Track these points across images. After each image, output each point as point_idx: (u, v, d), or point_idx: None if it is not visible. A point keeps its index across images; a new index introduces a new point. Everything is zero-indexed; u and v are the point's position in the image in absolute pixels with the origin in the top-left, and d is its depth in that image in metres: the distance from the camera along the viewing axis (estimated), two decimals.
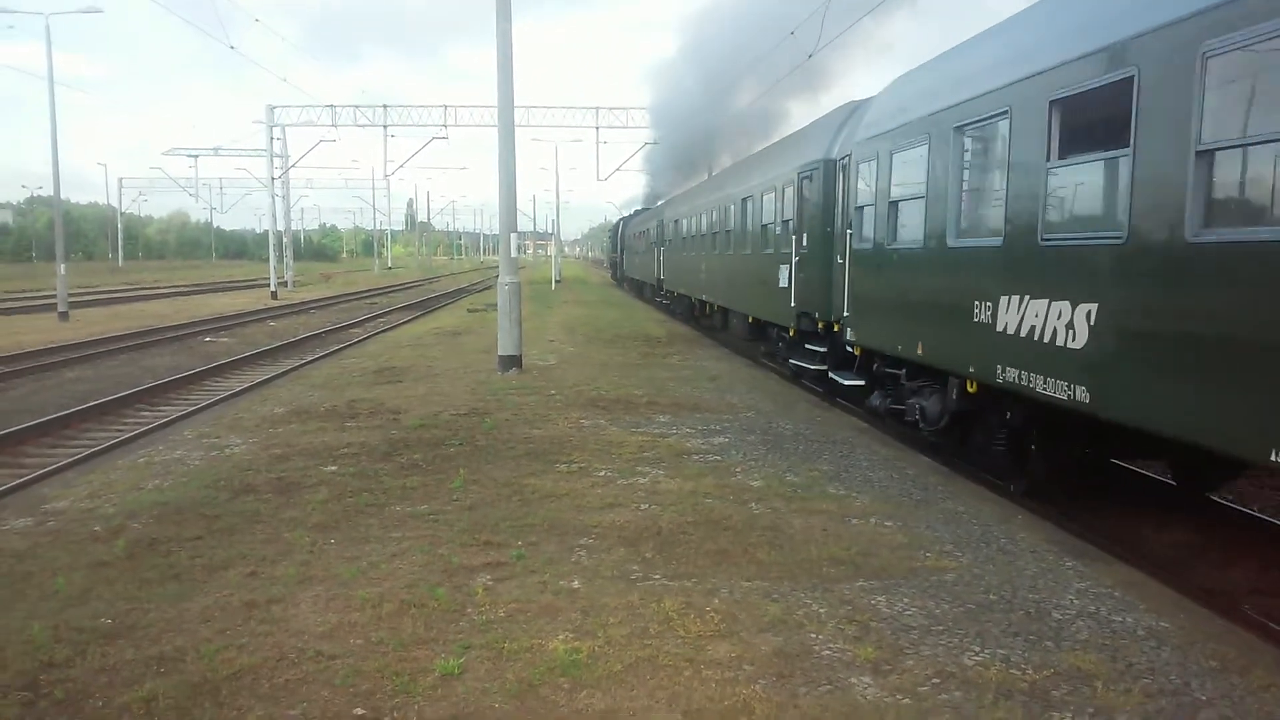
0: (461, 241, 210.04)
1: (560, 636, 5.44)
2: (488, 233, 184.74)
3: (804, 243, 15.97)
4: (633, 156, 56.80)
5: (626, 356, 20.15)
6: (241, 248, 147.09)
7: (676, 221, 33.02)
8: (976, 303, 9.57)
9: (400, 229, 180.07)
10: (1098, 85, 7.65)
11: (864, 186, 13.09)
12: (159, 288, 58.25)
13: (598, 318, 31.88)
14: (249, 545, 7.14)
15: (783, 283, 16.92)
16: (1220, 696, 4.84)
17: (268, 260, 52.35)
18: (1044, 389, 8.33)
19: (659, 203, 49.84)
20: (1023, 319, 8.71)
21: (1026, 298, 8.65)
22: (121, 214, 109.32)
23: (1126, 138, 7.21)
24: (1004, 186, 9.14)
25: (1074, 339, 7.89)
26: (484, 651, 5.24)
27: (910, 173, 11.44)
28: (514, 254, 17.40)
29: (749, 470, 9.69)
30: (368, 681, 4.88)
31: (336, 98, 65.64)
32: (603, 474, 9.44)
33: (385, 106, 49.40)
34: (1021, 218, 8.81)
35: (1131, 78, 7.15)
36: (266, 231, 54.50)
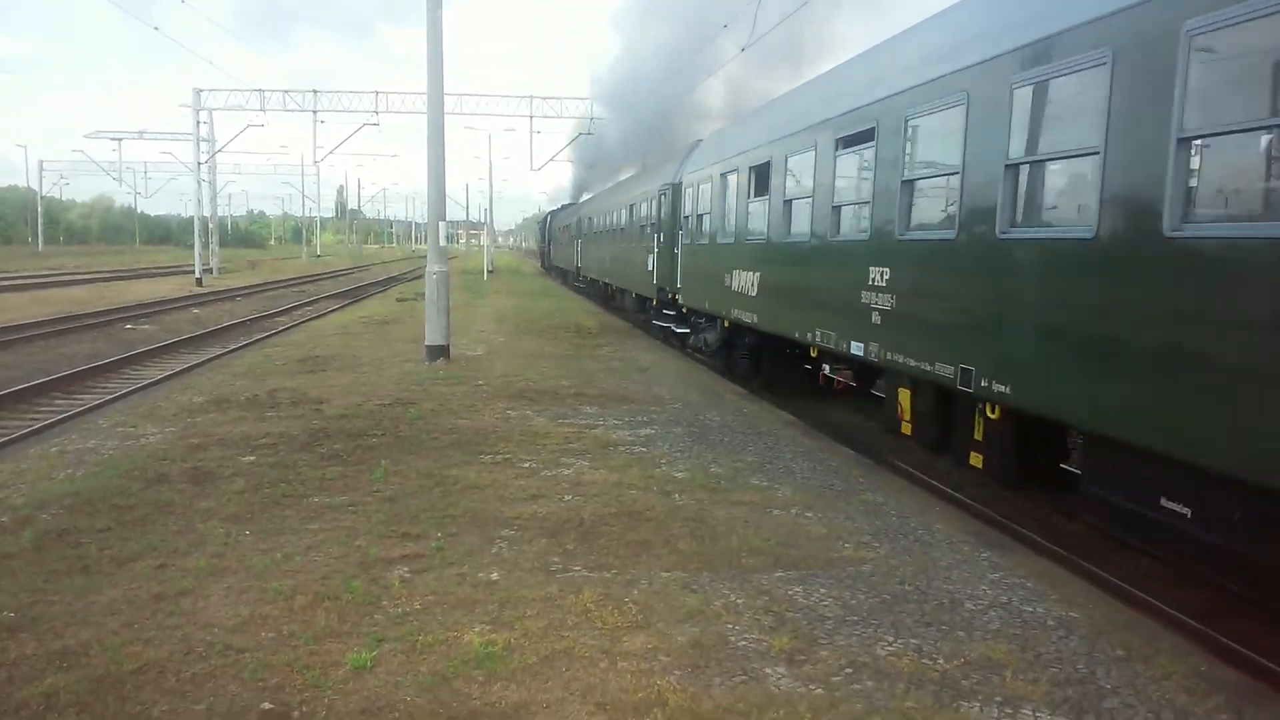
0: (393, 230, 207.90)
1: (476, 629, 5.40)
2: (419, 221, 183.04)
3: (660, 239, 22.89)
4: (566, 146, 56.58)
5: (556, 347, 20.09)
6: (166, 233, 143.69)
7: (590, 218, 40.33)
8: (725, 274, 16.62)
9: (330, 216, 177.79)
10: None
11: (688, 203, 20.35)
12: (80, 273, 56.79)
13: (529, 308, 31.75)
14: (160, 536, 6.99)
15: (649, 266, 24.16)
16: (1124, 685, 4.95)
17: (193, 246, 51.36)
18: (742, 319, 15.69)
19: (581, 199, 56.00)
20: (741, 282, 15.73)
21: (741, 271, 15.78)
22: (42, 197, 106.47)
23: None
24: (726, 210, 17.04)
25: (752, 290, 14.95)
26: (398, 644, 5.18)
27: (703, 198, 18.84)
28: (442, 242, 17.26)
29: (674, 462, 9.71)
30: (277, 675, 4.80)
31: (266, 82, 64.55)
32: (527, 465, 9.40)
33: (315, 91, 48.73)
34: (736, 230, 16.25)
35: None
36: (192, 217, 53.40)
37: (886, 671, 5.00)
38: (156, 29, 37.59)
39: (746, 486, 8.76)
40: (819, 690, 4.79)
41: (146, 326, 28.18)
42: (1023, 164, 7.95)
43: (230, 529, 7.19)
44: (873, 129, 10.67)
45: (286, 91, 48.67)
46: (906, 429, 10.81)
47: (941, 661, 5.14)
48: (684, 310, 20.70)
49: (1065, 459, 9.17)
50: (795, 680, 4.88)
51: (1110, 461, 7.15)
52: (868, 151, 10.93)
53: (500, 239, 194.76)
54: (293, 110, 48.78)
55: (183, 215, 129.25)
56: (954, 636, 5.49)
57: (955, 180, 8.89)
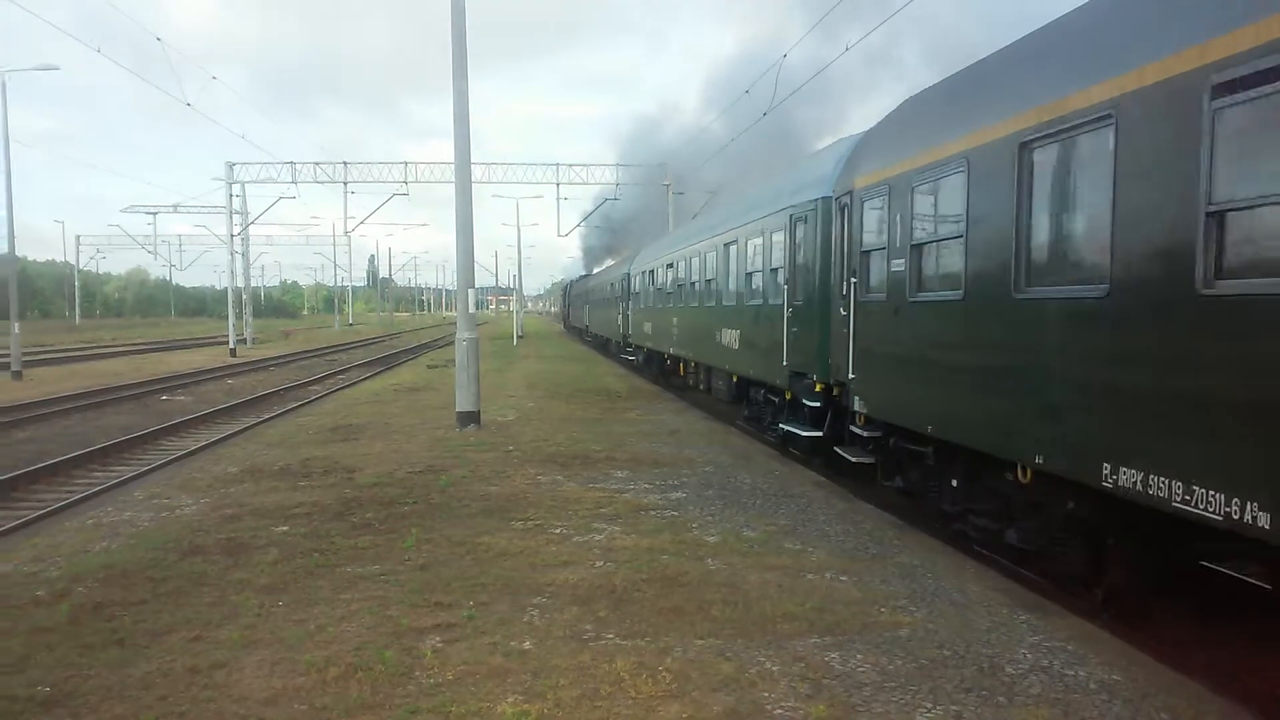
0: (424, 297, 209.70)
1: (509, 699, 5.36)
2: (450, 288, 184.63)
3: (623, 304, 34.34)
4: (593, 212, 57.09)
5: (586, 411, 20.11)
6: (201, 305, 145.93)
7: (590, 289, 51.20)
8: (645, 323, 30.84)
9: (362, 285, 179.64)
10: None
11: (635, 283, 31.97)
12: (116, 346, 57.58)
13: (558, 372, 31.85)
14: (195, 609, 7.01)
15: (619, 321, 36.64)
16: None
17: (227, 317, 51.98)
18: (654, 345, 24.32)
19: (594, 269, 67.47)
20: (654, 326, 29.31)
21: (650, 321, 28.89)
22: (79, 271, 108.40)
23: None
24: (646, 288, 28.36)
25: (652, 329, 25.25)
26: (431, 715, 5.15)
27: (636, 282, 31.29)
28: (472, 309, 17.39)
29: (705, 526, 9.65)
30: None
31: (296, 154, 65.59)
32: (558, 531, 9.37)
33: (345, 163, 49.52)
34: (652, 297, 25.57)
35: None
36: (226, 289, 54.18)
37: None
38: (189, 105, 38.37)
39: (780, 550, 8.69)
40: None
41: (181, 398, 28.47)
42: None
43: (264, 600, 7.20)
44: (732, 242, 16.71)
45: (318, 164, 49.52)
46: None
47: None
48: (632, 344, 34.74)
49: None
50: None
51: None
52: (734, 251, 18.06)
53: (530, 304, 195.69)
54: (324, 181, 49.59)
55: (217, 287, 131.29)
56: (994, 702, 5.39)
57: (783, 273, 14.75)
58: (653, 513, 10.24)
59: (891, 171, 10.78)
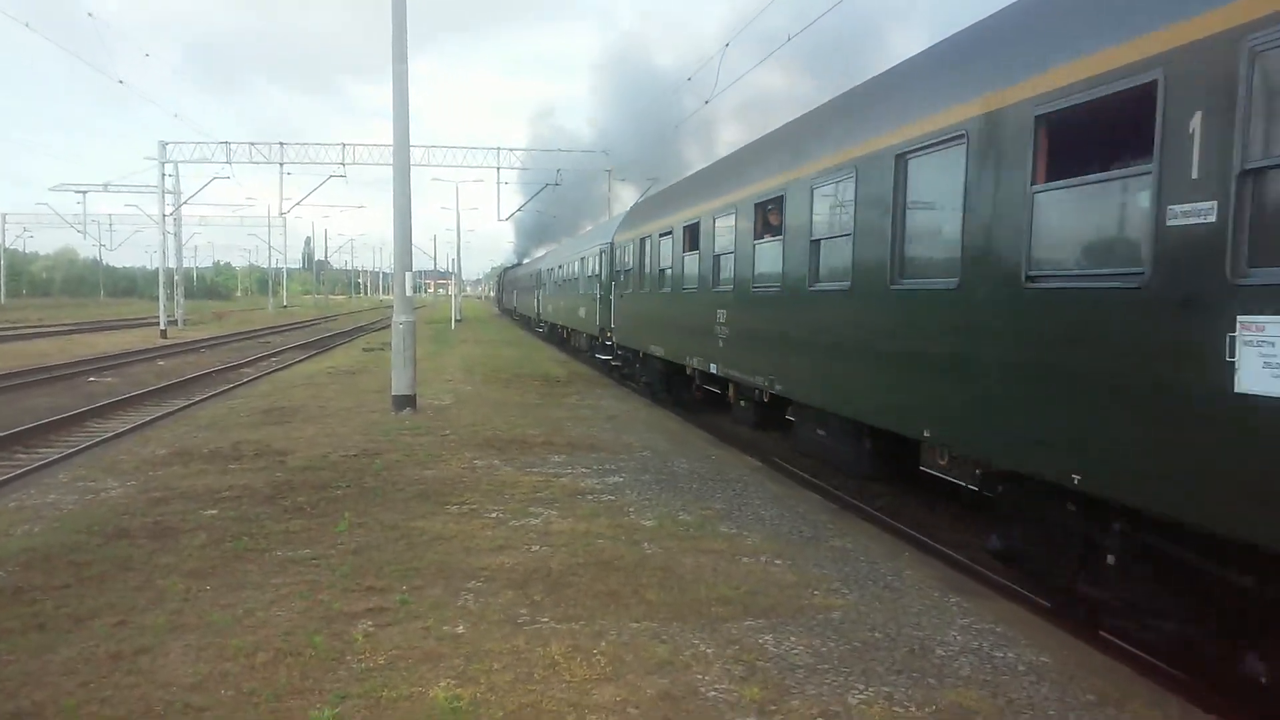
0: (360, 280, 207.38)
1: (442, 684, 5.31)
2: (387, 271, 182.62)
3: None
4: (533, 198, 56.75)
5: (524, 396, 20.01)
6: (131, 285, 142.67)
7: (541, 272, 49.34)
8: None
9: (297, 267, 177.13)
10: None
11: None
12: (43, 326, 56.17)
13: (496, 357, 31.67)
14: (119, 593, 6.86)
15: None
16: None
17: (158, 298, 50.98)
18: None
19: (524, 260, 74.03)
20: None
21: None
22: (5, 250, 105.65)
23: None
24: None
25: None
26: (361, 701, 5.08)
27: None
28: (409, 293, 17.21)
29: (642, 510, 9.65)
30: None
31: (231, 134, 64.45)
32: (494, 515, 9.31)
33: (281, 144, 48.67)
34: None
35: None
36: (157, 269, 53.05)
37: None
38: (121, 82, 37.47)
39: (715, 534, 8.71)
40: None
41: (110, 379, 27.85)
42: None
43: (191, 585, 7.06)
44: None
45: (253, 144, 48.61)
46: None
47: (913, 709, 5.10)
48: (543, 322, 45.04)
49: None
50: None
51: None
52: (580, 263, 29.69)
53: (469, 288, 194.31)
54: (259, 162, 48.72)
55: (148, 267, 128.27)
56: (925, 684, 5.45)
57: (597, 277, 26.14)
58: (590, 497, 10.21)
59: (620, 236, 24.77)
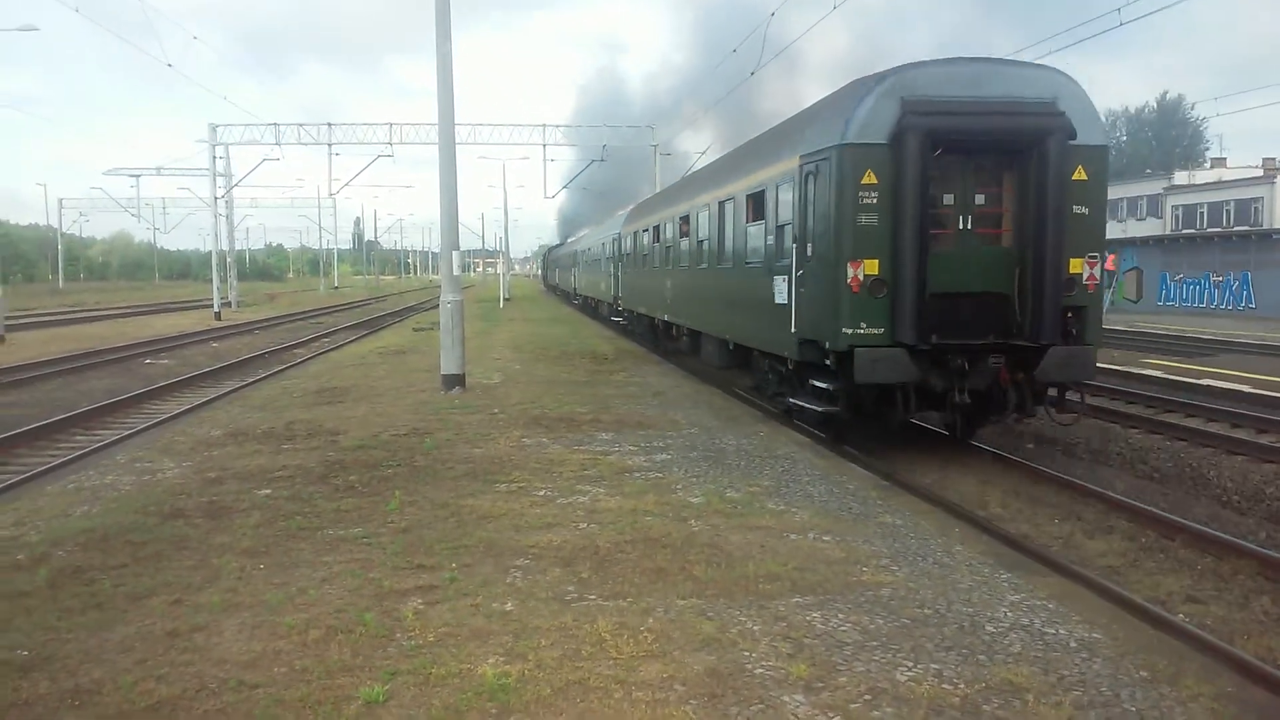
0: (410, 260, 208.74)
1: (490, 660, 5.35)
2: (436, 251, 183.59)
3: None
4: (580, 174, 56.75)
5: (572, 374, 20.07)
6: (185, 268, 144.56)
7: (570, 254, 59.70)
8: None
9: (347, 248, 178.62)
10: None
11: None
12: (100, 309, 57.19)
13: (544, 335, 31.77)
14: (175, 572, 6.98)
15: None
16: (1149, 707, 4.86)
17: (211, 281, 51.68)
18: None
19: (566, 241, 75.50)
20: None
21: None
22: (62, 235, 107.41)
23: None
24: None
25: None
26: (411, 677, 5.14)
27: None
28: (456, 271, 17.30)
29: (689, 487, 9.65)
30: (289, 711, 4.77)
31: (279, 116, 64.72)
32: (542, 493, 9.36)
33: (330, 125, 49.03)
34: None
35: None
36: (210, 252, 53.78)
37: (906, 698, 4.93)
38: (170, 65, 37.90)
39: (763, 511, 8.70)
40: (838, 718, 4.71)
41: (165, 361, 28.33)
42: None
43: (245, 563, 7.18)
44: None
45: (301, 125, 49.00)
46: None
47: (962, 686, 5.06)
48: (578, 295, 53.31)
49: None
50: (813, 708, 4.81)
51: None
52: (598, 246, 41.24)
53: (516, 266, 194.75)
54: (308, 143, 49.06)
55: (201, 250, 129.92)
56: (975, 660, 5.41)
57: (608, 257, 36.81)
58: (637, 474, 10.23)
59: (624, 229, 32.38)
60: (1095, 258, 12.33)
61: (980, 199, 12.28)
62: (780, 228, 14.11)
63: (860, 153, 11.76)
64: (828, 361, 12.48)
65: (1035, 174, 11.79)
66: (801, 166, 12.98)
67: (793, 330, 13.17)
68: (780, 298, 13.78)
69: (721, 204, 17.66)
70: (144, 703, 4.86)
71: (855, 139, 11.81)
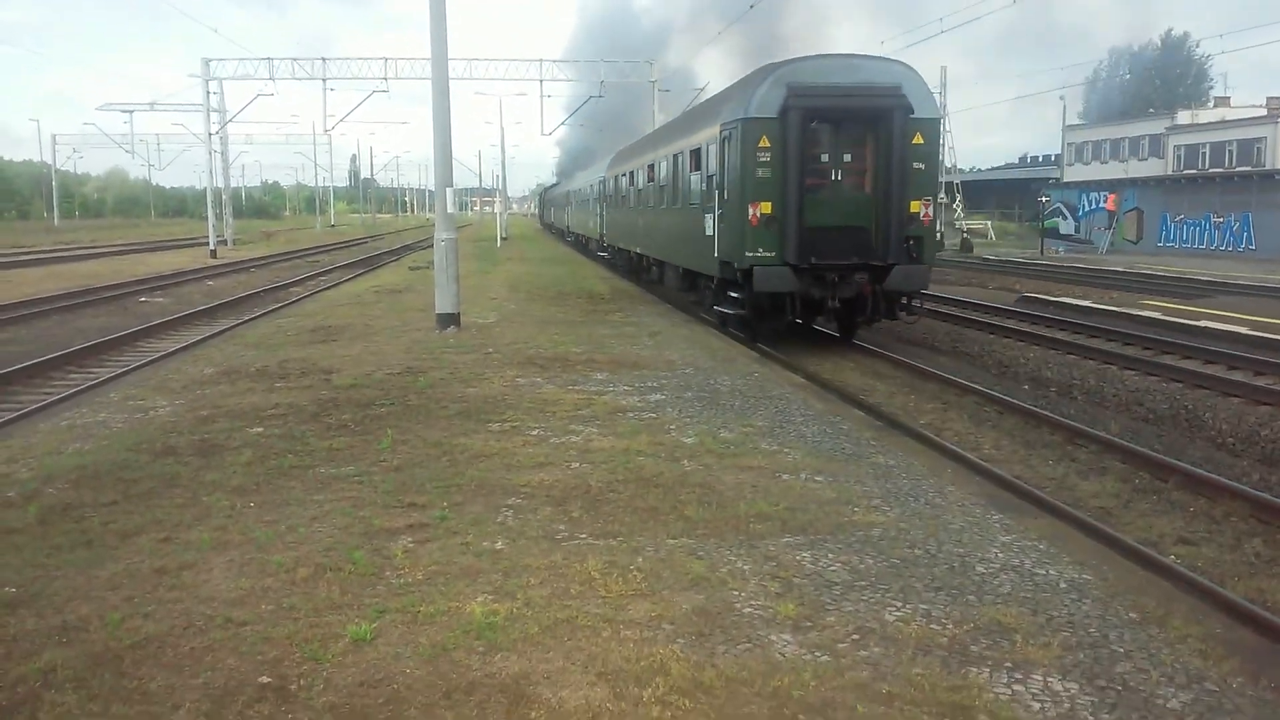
0: (406, 198, 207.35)
1: (479, 599, 5.34)
2: (433, 189, 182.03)
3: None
4: (576, 111, 56.21)
5: (568, 314, 19.99)
6: (181, 205, 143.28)
7: (569, 193, 59.95)
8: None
9: (344, 185, 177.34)
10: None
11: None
12: (95, 247, 56.87)
13: (541, 275, 31.64)
14: (165, 510, 6.96)
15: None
16: (1138, 648, 4.86)
17: (207, 218, 51.36)
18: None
19: (560, 181, 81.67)
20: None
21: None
22: (56, 171, 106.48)
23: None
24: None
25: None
26: (399, 615, 5.13)
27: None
28: (451, 209, 17.15)
29: (683, 427, 9.62)
30: (276, 649, 4.76)
31: (273, 50, 64.00)
32: (535, 433, 9.33)
33: (324, 59, 48.43)
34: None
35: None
36: (206, 189, 53.37)
37: (894, 638, 4.92)
38: None
39: (756, 451, 8.67)
40: (825, 657, 4.71)
41: (160, 299, 28.24)
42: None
43: (235, 501, 7.16)
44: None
45: (295, 59, 48.39)
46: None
47: (950, 627, 5.06)
48: (565, 229, 61.59)
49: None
50: (801, 648, 4.81)
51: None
52: (585, 189, 46.21)
53: (514, 205, 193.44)
54: (302, 78, 48.51)
55: (197, 188, 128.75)
56: (964, 601, 5.40)
57: (595, 198, 40.47)
58: (630, 414, 10.20)
59: (608, 172, 35.59)
60: (929, 200, 16.44)
61: (847, 157, 16.35)
62: (709, 177, 18.14)
63: (758, 124, 15.80)
64: (738, 277, 16.54)
65: (885, 139, 15.78)
66: (721, 132, 17.04)
67: (715, 254, 17.50)
68: (709, 230, 17.91)
69: (675, 156, 21.86)
70: (130, 639, 4.85)
71: (754, 114, 15.85)
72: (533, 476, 7.77)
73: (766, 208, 15.69)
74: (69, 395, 13.71)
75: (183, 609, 5.22)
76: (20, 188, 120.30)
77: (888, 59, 17.56)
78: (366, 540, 6.29)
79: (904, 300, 16.69)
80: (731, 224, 16.51)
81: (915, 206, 16.06)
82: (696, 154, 19.49)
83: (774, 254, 15.79)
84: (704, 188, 18.64)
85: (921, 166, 16.20)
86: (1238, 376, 14.05)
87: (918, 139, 16.01)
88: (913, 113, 15.81)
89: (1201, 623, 5.23)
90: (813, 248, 15.71)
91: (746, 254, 15.95)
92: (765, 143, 15.71)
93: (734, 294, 17.09)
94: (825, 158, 16.31)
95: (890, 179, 15.73)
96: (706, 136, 18.45)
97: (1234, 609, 6.31)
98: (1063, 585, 5.67)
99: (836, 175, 16.36)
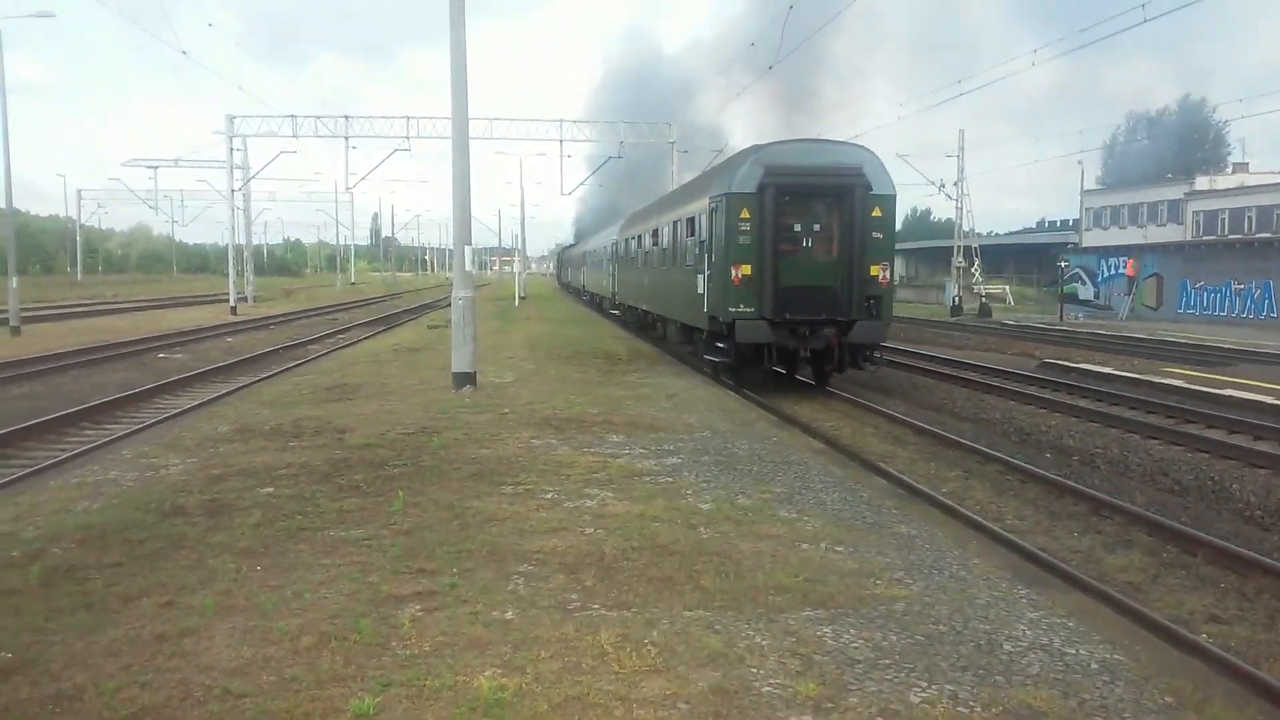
0: (426, 257, 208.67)
1: (487, 672, 5.16)
2: (452, 247, 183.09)
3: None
4: (595, 171, 56.59)
5: (585, 374, 19.87)
6: (203, 261, 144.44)
7: (585, 253, 62.95)
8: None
9: (365, 243, 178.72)
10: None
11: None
12: (117, 302, 57.31)
13: (559, 334, 31.59)
14: (170, 572, 6.81)
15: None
16: None
17: (228, 274, 51.67)
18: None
19: (577, 242, 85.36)
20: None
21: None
22: (81, 226, 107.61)
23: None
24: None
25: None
26: (404, 689, 4.95)
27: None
28: (469, 267, 17.13)
29: (700, 493, 9.44)
30: None
31: (296, 107, 64.62)
32: (549, 496, 9.16)
33: (347, 117, 48.93)
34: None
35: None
36: (228, 245, 53.75)
37: None
38: (184, 53, 37.76)
39: (774, 519, 8.48)
40: None
41: (180, 355, 28.28)
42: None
43: (241, 564, 7.01)
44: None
45: (318, 117, 48.90)
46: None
47: (979, 709, 4.84)
48: (581, 289, 62.67)
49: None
50: None
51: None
52: (598, 250, 49.04)
53: (533, 264, 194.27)
54: (325, 135, 48.90)
55: (219, 244, 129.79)
56: (992, 682, 5.19)
57: (608, 258, 42.75)
58: (646, 479, 10.02)
59: (621, 235, 37.54)
60: (887, 264, 18.71)
61: (816, 227, 18.64)
62: (701, 242, 20.37)
63: (739, 198, 18.26)
64: (724, 330, 18.80)
65: (848, 212, 18.19)
66: (710, 203, 19.52)
67: (705, 310, 19.74)
68: (700, 288, 20.14)
69: (675, 223, 24.28)
70: (125, 710, 4.68)
71: (736, 189, 18.33)
72: (545, 542, 7.60)
73: (747, 269, 18.16)
74: (82, 451, 13.64)
75: (181, 679, 5.05)
76: (45, 243, 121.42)
77: (852, 144, 20.42)
78: (373, 608, 6.12)
79: (866, 352, 18.92)
80: (718, 283, 18.85)
81: (875, 270, 18.41)
82: (691, 221, 21.80)
83: (753, 309, 18.17)
84: (697, 251, 20.91)
85: (879, 236, 18.49)
86: (1264, 447, 13.79)
87: (876, 212, 18.38)
88: (872, 189, 18.28)
89: (1241, 709, 5.03)
90: (786, 304, 18.11)
91: (730, 309, 18.32)
92: (746, 214, 18.17)
93: (720, 344, 19.35)
94: (797, 227, 18.59)
95: (853, 246, 18.15)
96: (699, 207, 20.85)
97: (1272, 694, 6.06)
98: (1094, 666, 5.45)
99: (807, 242, 18.62)
